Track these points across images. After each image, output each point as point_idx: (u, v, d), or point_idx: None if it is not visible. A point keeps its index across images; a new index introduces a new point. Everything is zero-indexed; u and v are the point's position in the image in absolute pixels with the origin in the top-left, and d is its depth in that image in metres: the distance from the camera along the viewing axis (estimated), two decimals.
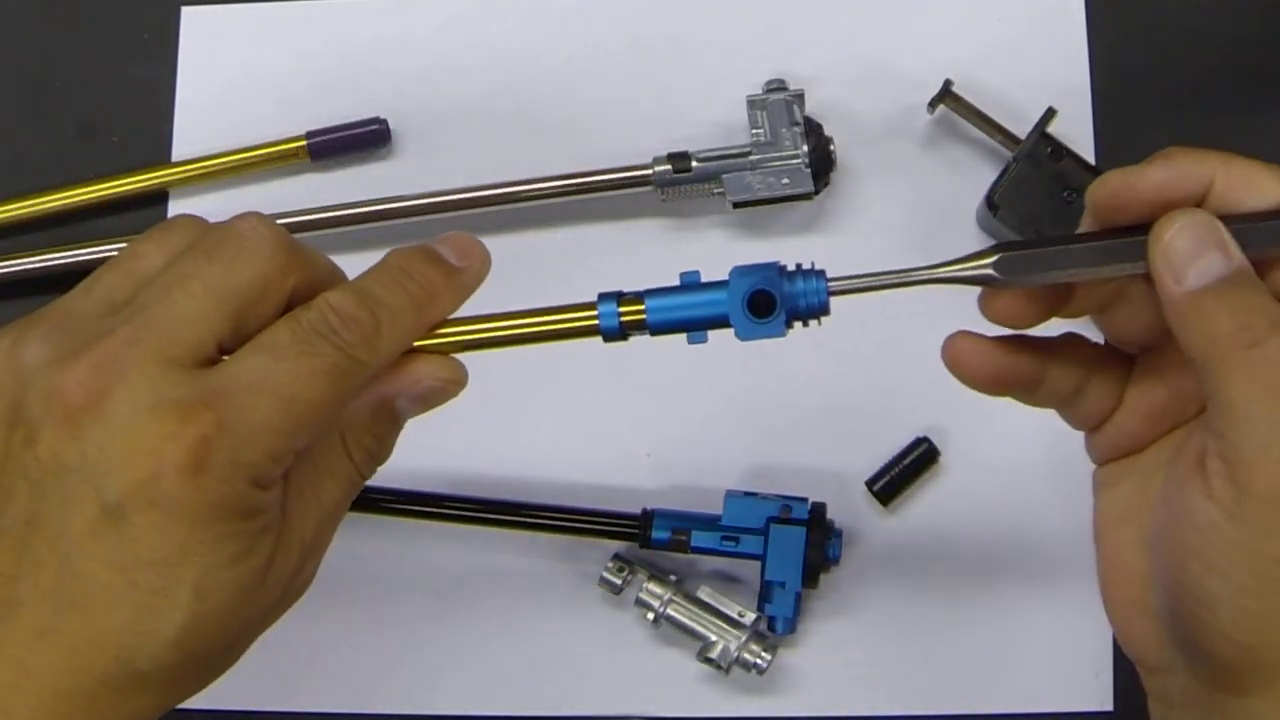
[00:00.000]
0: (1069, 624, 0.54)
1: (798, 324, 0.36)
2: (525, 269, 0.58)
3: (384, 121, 0.58)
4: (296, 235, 0.56)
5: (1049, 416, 0.55)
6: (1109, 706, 0.53)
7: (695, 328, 0.36)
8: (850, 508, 0.55)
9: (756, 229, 0.57)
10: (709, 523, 0.53)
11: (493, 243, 0.57)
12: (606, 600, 0.55)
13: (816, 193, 0.54)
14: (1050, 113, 0.54)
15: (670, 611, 0.53)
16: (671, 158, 0.55)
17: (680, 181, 0.55)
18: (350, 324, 0.34)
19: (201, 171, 0.59)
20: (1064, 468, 0.54)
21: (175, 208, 0.60)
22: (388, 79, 0.60)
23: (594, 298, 0.37)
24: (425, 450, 0.56)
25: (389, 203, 0.56)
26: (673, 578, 0.54)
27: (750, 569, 0.54)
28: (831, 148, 0.55)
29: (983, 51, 0.58)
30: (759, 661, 0.52)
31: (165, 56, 0.61)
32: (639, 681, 0.55)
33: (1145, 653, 0.37)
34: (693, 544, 0.53)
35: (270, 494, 0.34)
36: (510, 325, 0.37)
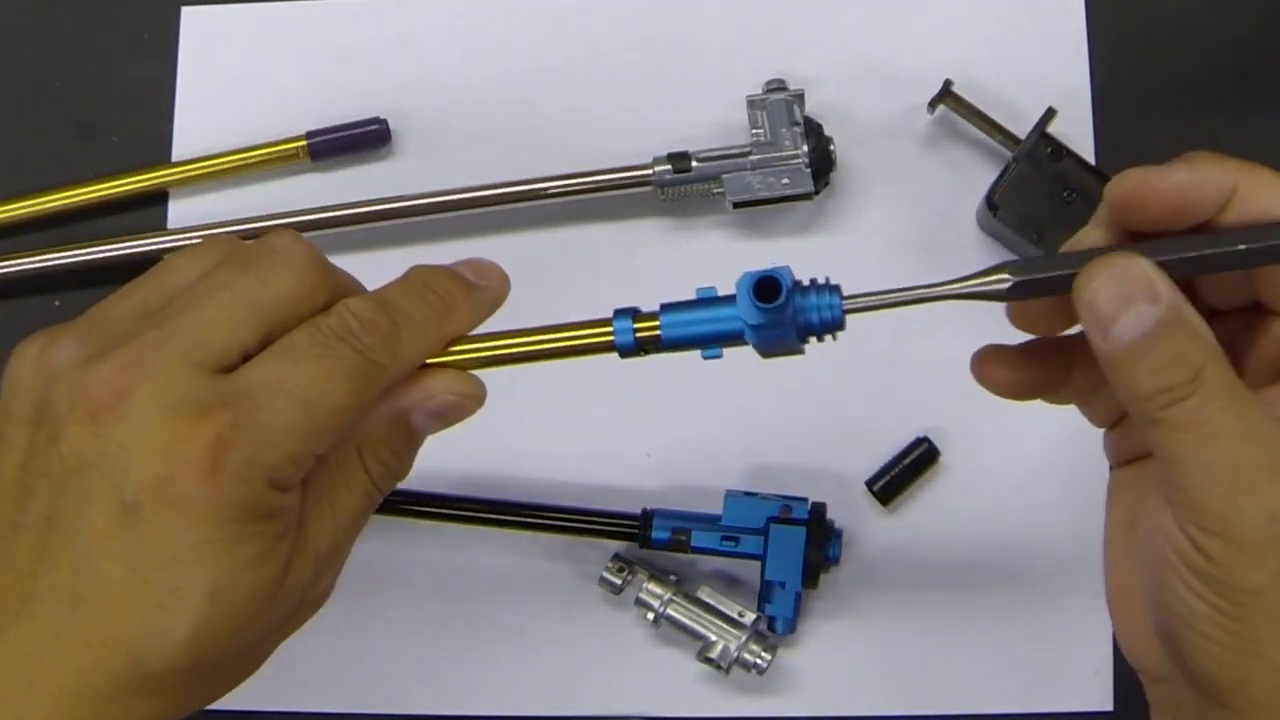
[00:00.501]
0: (1069, 624, 0.54)
1: (813, 340, 0.36)
2: (525, 269, 0.57)
3: (384, 121, 0.58)
4: None
5: (1049, 417, 0.55)
6: (1109, 706, 0.53)
7: (710, 343, 0.36)
8: (850, 508, 0.55)
9: (756, 229, 0.57)
10: (709, 523, 0.53)
11: (493, 243, 0.58)
12: (606, 600, 0.55)
13: (816, 193, 0.54)
14: (1050, 113, 0.54)
15: (670, 611, 0.53)
16: (671, 158, 0.55)
17: (680, 181, 0.55)
18: (370, 328, 0.35)
19: (201, 171, 0.59)
20: (1064, 468, 0.54)
21: (175, 208, 0.60)
22: (388, 79, 0.60)
23: (610, 314, 0.37)
24: (426, 450, 0.56)
25: (389, 203, 0.56)
26: (673, 578, 0.54)
27: (750, 569, 0.54)
28: (831, 148, 0.55)
29: (983, 51, 0.58)
30: (759, 661, 0.52)
31: (165, 56, 0.61)
32: (639, 681, 0.55)
33: (1148, 662, 0.37)
34: (693, 544, 0.53)
35: (288, 498, 0.34)
36: (527, 342, 0.37)
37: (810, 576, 0.52)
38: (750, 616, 0.53)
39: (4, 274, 0.58)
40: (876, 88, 0.58)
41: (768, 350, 0.36)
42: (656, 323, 0.36)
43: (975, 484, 0.55)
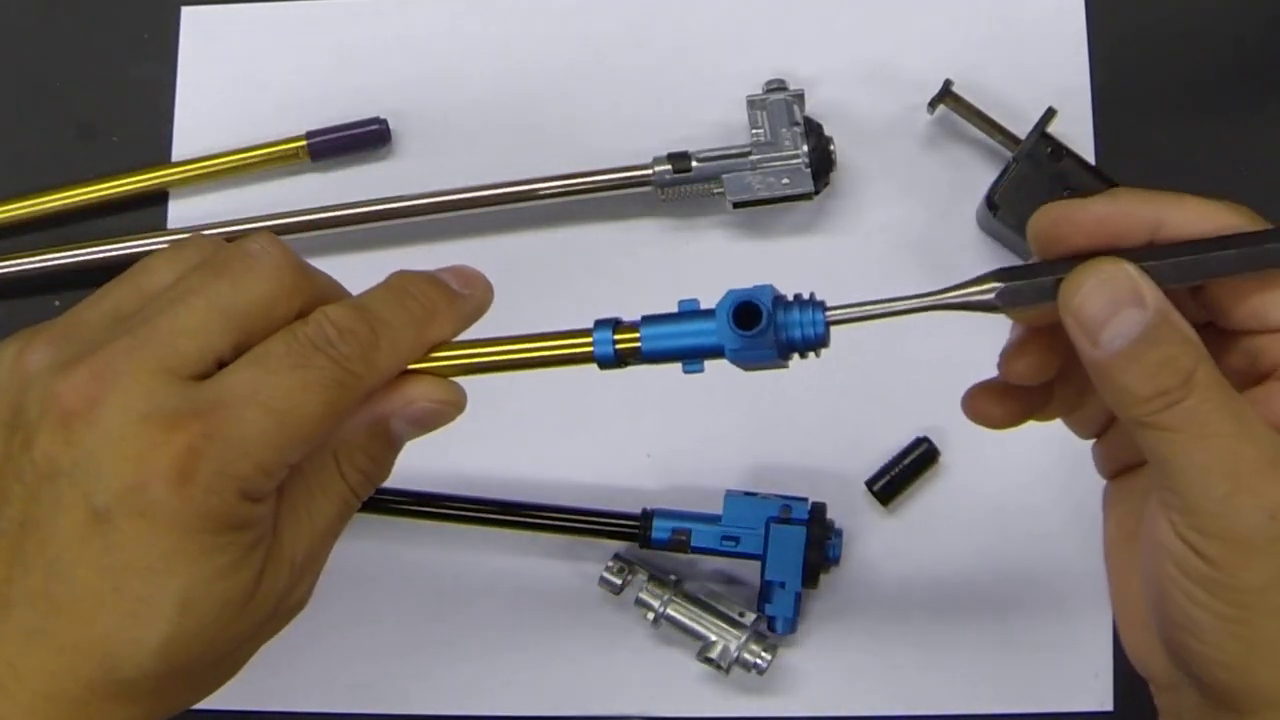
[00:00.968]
0: (1069, 624, 0.54)
1: (796, 356, 0.36)
2: (525, 269, 0.58)
3: (384, 121, 0.58)
4: (297, 235, 0.56)
5: None
6: (1109, 706, 0.53)
7: (690, 356, 0.36)
8: (850, 508, 0.55)
9: (756, 229, 0.57)
10: (709, 523, 0.53)
11: (493, 243, 0.58)
12: (606, 600, 0.55)
13: (816, 193, 0.54)
14: (1050, 113, 0.54)
15: (670, 611, 0.53)
16: (671, 158, 0.55)
17: (680, 181, 0.55)
18: (347, 337, 0.34)
19: (201, 171, 0.59)
20: (1064, 468, 0.54)
21: (175, 208, 0.60)
22: (388, 79, 0.60)
23: (587, 320, 0.36)
24: (425, 450, 0.56)
25: (389, 203, 0.56)
26: (673, 578, 0.54)
27: (750, 569, 0.54)
28: (831, 148, 0.55)
29: (983, 51, 0.58)
30: (759, 661, 0.52)
31: (165, 56, 0.61)
32: (639, 681, 0.55)
33: (1155, 670, 0.37)
34: (693, 544, 0.53)
35: (261, 508, 0.34)
36: (507, 351, 0.37)
37: (810, 576, 0.52)
38: (750, 616, 0.53)
39: (4, 274, 0.58)
40: (876, 88, 0.58)
41: (749, 367, 0.36)
42: (636, 335, 0.36)
43: (975, 484, 0.55)
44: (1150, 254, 0.33)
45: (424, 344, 0.37)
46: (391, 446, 0.37)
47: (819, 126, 0.55)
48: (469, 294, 0.38)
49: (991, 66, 0.57)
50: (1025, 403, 0.38)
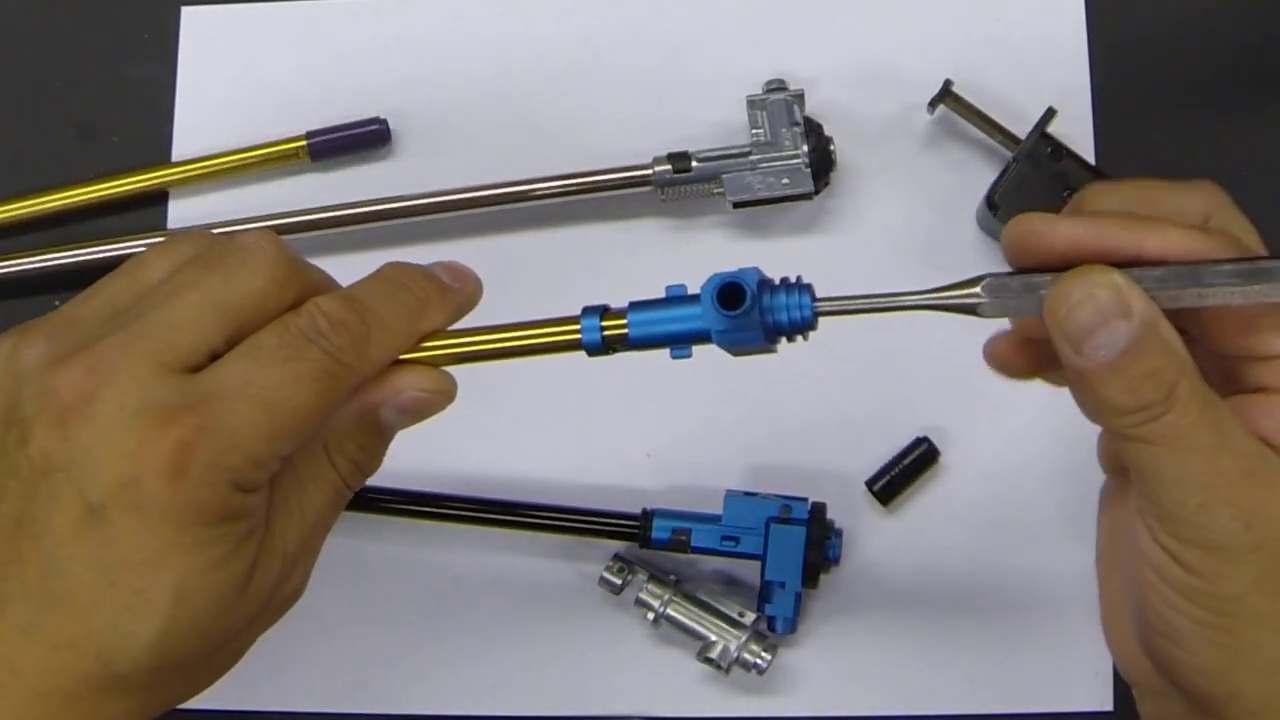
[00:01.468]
0: (1069, 624, 0.54)
1: (784, 340, 0.36)
2: (525, 269, 0.58)
3: (384, 121, 0.58)
4: (296, 235, 0.56)
5: (1049, 417, 0.55)
6: (1109, 706, 0.53)
7: (677, 341, 0.36)
8: (850, 508, 0.55)
9: (756, 229, 0.57)
10: (709, 523, 0.53)
11: (493, 243, 0.58)
12: (606, 600, 0.55)
13: (816, 193, 0.54)
14: (1050, 113, 0.54)
15: (670, 611, 0.53)
16: (671, 158, 0.55)
17: (680, 181, 0.55)
18: (339, 328, 0.34)
19: (201, 171, 0.59)
20: (1064, 468, 0.54)
21: (175, 208, 0.60)
22: (388, 79, 0.60)
23: (579, 311, 0.36)
24: (425, 450, 0.56)
25: (389, 203, 0.56)
26: (673, 578, 0.54)
27: (750, 569, 0.54)
28: (831, 148, 0.55)
29: (983, 51, 0.58)
30: (759, 661, 0.52)
31: (165, 56, 0.61)
32: (639, 681, 0.55)
33: (1139, 675, 0.37)
34: (693, 544, 0.53)
35: (253, 499, 0.34)
36: (495, 339, 0.37)
37: (810, 576, 0.52)
38: (750, 616, 0.53)
39: (4, 274, 0.58)
40: (876, 88, 0.58)
41: (737, 351, 0.36)
42: (624, 321, 0.36)
43: (975, 484, 0.55)
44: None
45: (415, 335, 0.37)
46: (381, 436, 0.37)
47: (819, 126, 0.55)
48: (459, 288, 0.38)
49: (991, 66, 0.57)
50: (1035, 352, 0.37)
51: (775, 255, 0.57)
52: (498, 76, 0.60)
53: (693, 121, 0.58)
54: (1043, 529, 0.54)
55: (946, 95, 0.56)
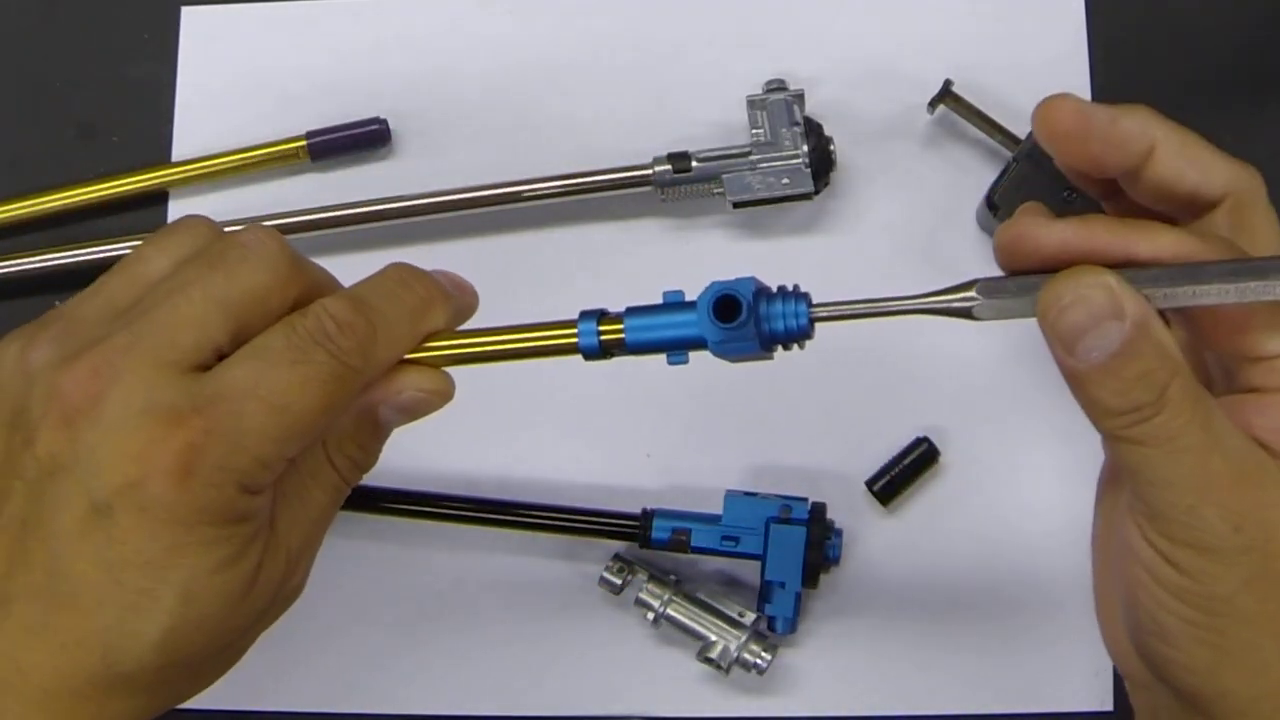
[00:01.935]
0: (1069, 624, 0.54)
1: (780, 348, 0.36)
2: (525, 269, 0.58)
3: (384, 121, 0.58)
4: (297, 235, 0.56)
5: (1049, 417, 0.55)
6: (1109, 706, 0.53)
7: (674, 348, 0.36)
8: (850, 508, 0.55)
9: (756, 229, 0.57)
10: (709, 523, 0.53)
11: (493, 243, 0.58)
12: (606, 600, 0.55)
13: (816, 193, 0.54)
14: None
15: (670, 611, 0.53)
16: (671, 158, 0.55)
17: (680, 181, 0.55)
18: (346, 331, 0.34)
19: (201, 171, 0.59)
20: (1064, 468, 0.54)
21: (175, 208, 0.60)
22: (388, 79, 0.60)
23: (576, 314, 0.36)
24: (425, 450, 0.56)
25: (389, 203, 0.56)
26: (673, 578, 0.54)
27: (750, 569, 0.54)
28: (831, 148, 0.55)
29: (983, 51, 0.58)
30: (759, 661, 0.52)
31: (165, 56, 0.61)
32: (639, 681, 0.55)
33: (1131, 669, 0.37)
34: (693, 544, 0.53)
35: (259, 500, 0.34)
36: (493, 341, 0.37)
37: (810, 576, 0.52)
38: (750, 616, 0.53)
39: (4, 274, 0.58)
40: (876, 88, 0.58)
41: (733, 359, 0.36)
42: (621, 326, 0.36)
43: (975, 484, 0.55)
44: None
45: (418, 336, 0.37)
46: (379, 434, 0.38)
47: (819, 126, 0.55)
48: (458, 295, 0.38)
49: (991, 66, 0.57)
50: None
51: (775, 255, 0.57)
52: (498, 76, 0.60)
53: (693, 121, 0.58)
54: (1042, 528, 0.54)
55: (946, 95, 0.56)
